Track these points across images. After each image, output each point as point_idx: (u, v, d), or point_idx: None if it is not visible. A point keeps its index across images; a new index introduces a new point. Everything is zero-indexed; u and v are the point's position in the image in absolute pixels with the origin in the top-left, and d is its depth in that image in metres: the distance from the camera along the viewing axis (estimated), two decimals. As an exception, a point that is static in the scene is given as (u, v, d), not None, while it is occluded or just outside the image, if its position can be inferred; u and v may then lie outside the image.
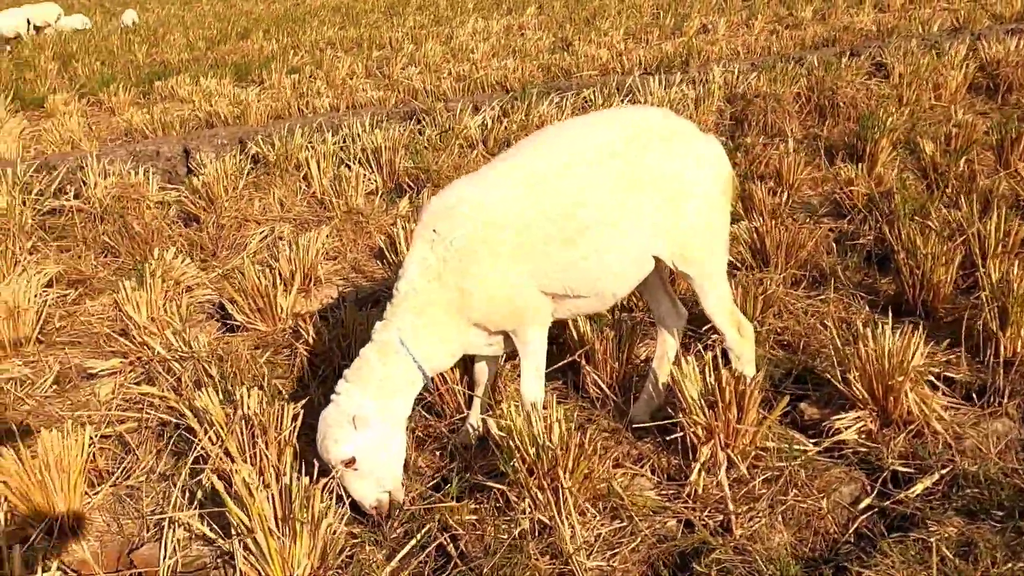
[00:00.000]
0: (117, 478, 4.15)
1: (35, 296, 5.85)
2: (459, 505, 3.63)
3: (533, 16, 20.84)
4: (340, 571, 3.40)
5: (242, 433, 3.83)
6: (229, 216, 7.38)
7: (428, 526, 3.56)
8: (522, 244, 3.65)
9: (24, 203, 7.55)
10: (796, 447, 3.95)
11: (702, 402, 3.83)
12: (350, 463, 3.56)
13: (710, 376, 3.85)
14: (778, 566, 3.24)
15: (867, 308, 5.15)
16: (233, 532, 3.31)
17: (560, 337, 4.79)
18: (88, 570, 3.59)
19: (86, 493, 3.99)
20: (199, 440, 3.87)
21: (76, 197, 8.19)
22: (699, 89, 9.96)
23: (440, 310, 3.70)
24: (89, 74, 16.27)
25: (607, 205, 3.70)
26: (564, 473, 3.48)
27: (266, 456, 3.82)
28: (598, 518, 3.64)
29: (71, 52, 19.20)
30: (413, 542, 3.50)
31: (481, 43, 16.40)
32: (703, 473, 3.79)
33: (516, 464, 3.54)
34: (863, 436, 4.05)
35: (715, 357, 3.91)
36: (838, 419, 4.10)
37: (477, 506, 3.68)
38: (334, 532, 3.40)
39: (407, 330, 3.71)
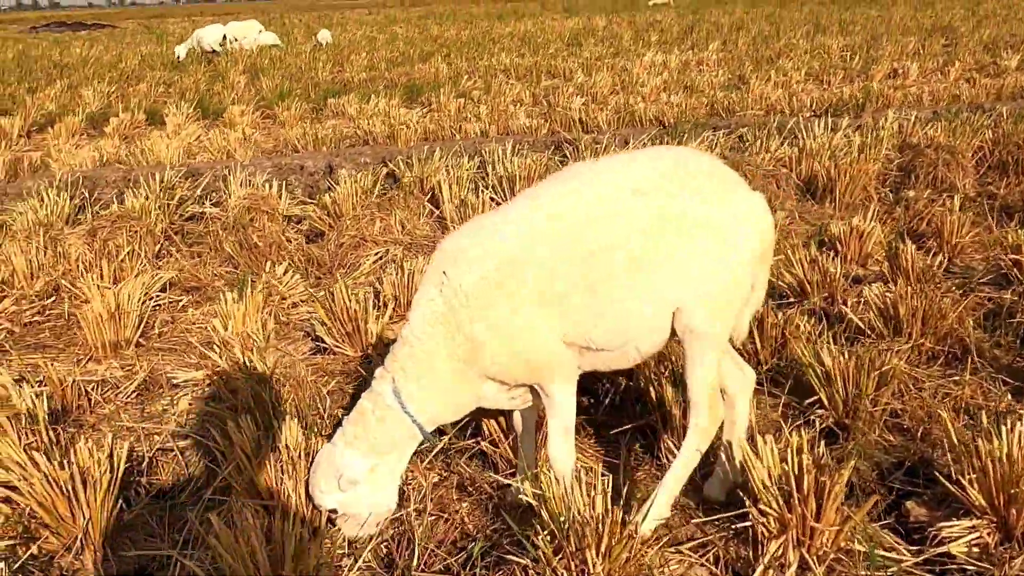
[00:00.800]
0: (155, 496, 4.02)
1: (140, 300, 5.90)
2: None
3: (715, 52, 20.25)
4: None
5: (271, 467, 3.61)
6: (349, 235, 7.31)
7: None
8: (543, 290, 3.27)
9: (161, 208, 7.74)
10: (887, 555, 3.36)
11: (776, 490, 3.33)
12: (332, 511, 3.47)
13: (792, 462, 3.34)
14: None
15: (1010, 396, 4.43)
16: (226, 576, 3.08)
17: (639, 397, 4.36)
18: (100, 591, 3.46)
19: (123, 509, 3.87)
20: (224, 468, 3.68)
21: (215, 205, 8.38)
22: (867, 136, 9.21)
23: (444, 361, 3.35)
24: (271, 88, 16.92)
25: (638, 249, 3.28)
26: (595, 554, 3.06)
27: (294, 494, 3.58)
28: (637, 609, 3.19)
29: (261, 67, 20.09)
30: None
31: (655, 77, 16.03)
32: (769, 572, 3.27)
33: (542, 539, 3.15)
34: (976, 551, 3.42)
35: (799, 438, 3.40)
36: (948, 527, 3.48)
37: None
38: None
39: (403, 382, 3.40)
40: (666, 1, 43.04)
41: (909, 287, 5.15)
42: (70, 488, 3.60)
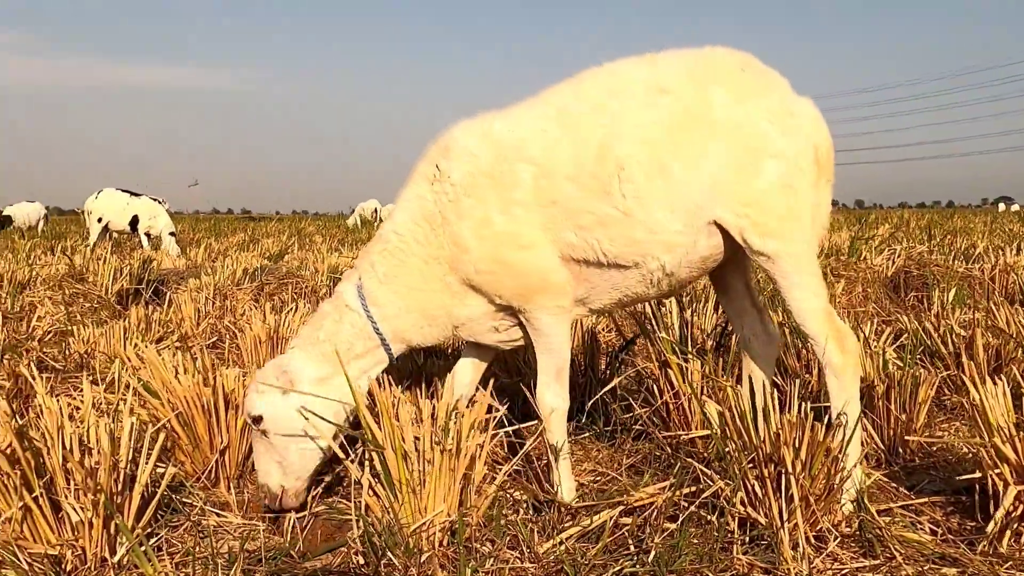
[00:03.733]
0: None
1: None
2: (651, 492, 2.80)
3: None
4: (485, 531, 2.67)
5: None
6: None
7: (607, 514, 2.75)
8: (542, 188, 2.90)
9: (329, 282, 7.82)
10: None
11: (1012, 431, 2.77)
12: (257, 420, 2.97)
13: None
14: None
15: None
16: (364, 452, 2.74)
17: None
18: (226, 511, 3.15)
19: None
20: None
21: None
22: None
23: (419, 262, 3.01)
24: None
25: (653, 144, 2.85)
26: (789, 451, 2.56)
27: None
28: (842, 548, 2.64)
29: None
30: (587, 522, 2.71)
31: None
32: (1008, 529, 2.67)
33: (731, 446, 2.69)
34: None
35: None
36: None
37: (677, 509, 2.81)
38: (483, 479, 2.71)
39: (369, 280, 3.09)
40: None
41: None
42: (212, 406, 3.39)
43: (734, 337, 3.31)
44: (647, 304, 3.86)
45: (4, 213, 29.91)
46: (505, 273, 2.95)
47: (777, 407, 2.75)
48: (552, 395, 3.01)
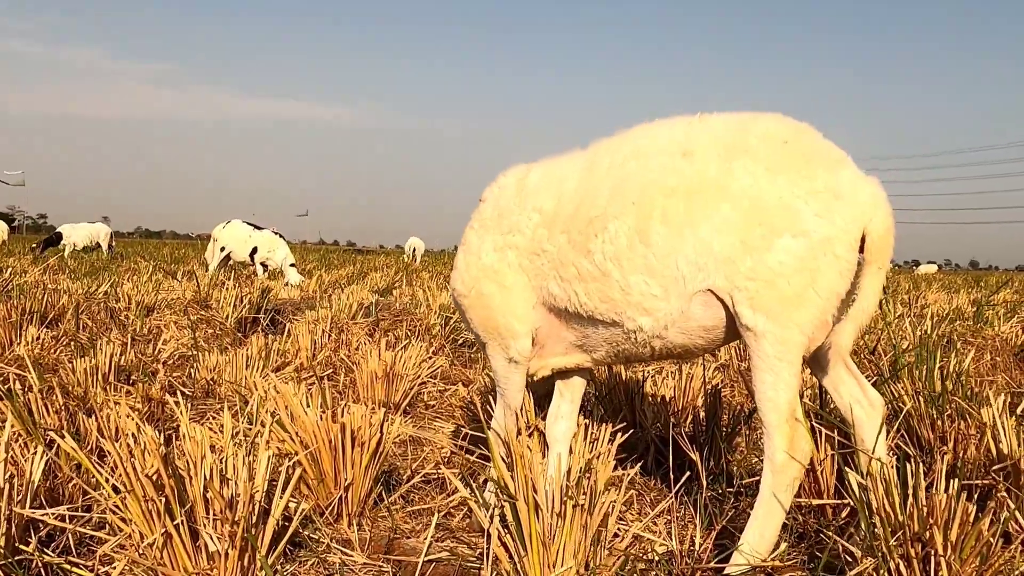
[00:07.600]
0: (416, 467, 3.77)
1: (415, 366, 5.88)
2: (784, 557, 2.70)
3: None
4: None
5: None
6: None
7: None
8: (539, 238, 3.11)
9: (441, 324, 7.91)
10: None
11: None
12: None
13: None
14: None
15: None
16: (494, 501, 2.72)
17: (972, 446, 3.69)
18: (350, 549, 3.17)
19: (387, 473, 3.68)
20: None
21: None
22: None
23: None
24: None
25: (643, 207, 2.76)
26: (939, 531, 2.45)
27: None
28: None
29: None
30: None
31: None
32: None
33: (877, 523, 2.58)
34: None
35: None
36: None
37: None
38: (615, 536, 2.66)
39: None
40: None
41: None
42: (339, 442, 3.43)
43: (841, 409, 3.09)
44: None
45: (56, 230, 29.69)
46: (475, 302, 3.31)
47: (923, 482, 2.64)
48: (499, 418, 3.47)
